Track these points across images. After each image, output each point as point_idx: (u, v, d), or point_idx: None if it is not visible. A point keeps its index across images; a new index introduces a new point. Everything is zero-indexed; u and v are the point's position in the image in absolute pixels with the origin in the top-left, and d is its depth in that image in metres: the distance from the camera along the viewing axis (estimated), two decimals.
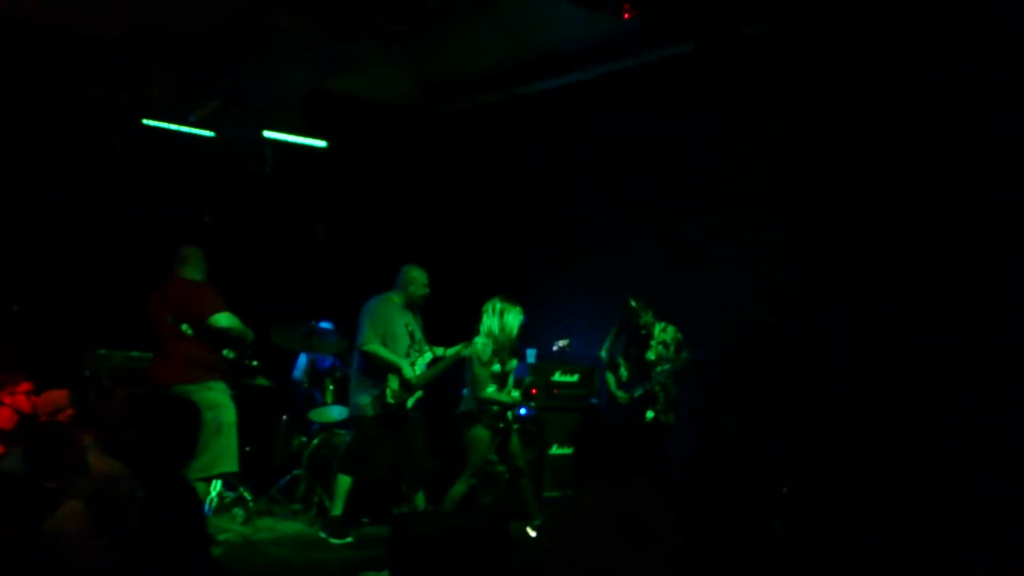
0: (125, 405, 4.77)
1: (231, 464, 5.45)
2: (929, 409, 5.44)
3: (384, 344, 5.96)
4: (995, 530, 4.86)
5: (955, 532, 4.98)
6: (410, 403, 6.01)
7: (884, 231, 5.87)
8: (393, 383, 5.94)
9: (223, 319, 5.43)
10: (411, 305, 6.18)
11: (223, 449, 5.36)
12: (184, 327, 5.44)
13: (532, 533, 6.10)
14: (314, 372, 7.44)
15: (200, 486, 5.25)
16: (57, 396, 4.67)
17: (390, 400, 5.91)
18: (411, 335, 6.09)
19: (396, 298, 6.14)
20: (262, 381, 6.83)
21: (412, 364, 6.01)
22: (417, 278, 6.17)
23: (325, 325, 7.40)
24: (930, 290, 5.61)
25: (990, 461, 5.05)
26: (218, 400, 5.40)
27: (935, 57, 5.62)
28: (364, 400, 6.02)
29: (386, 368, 5.96)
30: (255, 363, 6.46)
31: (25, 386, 5.16)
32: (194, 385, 5.33)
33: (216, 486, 6.15)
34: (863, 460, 5.56)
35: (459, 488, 5.95)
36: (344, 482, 5.98)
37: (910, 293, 5.72)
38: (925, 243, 5.67)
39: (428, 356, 6.12)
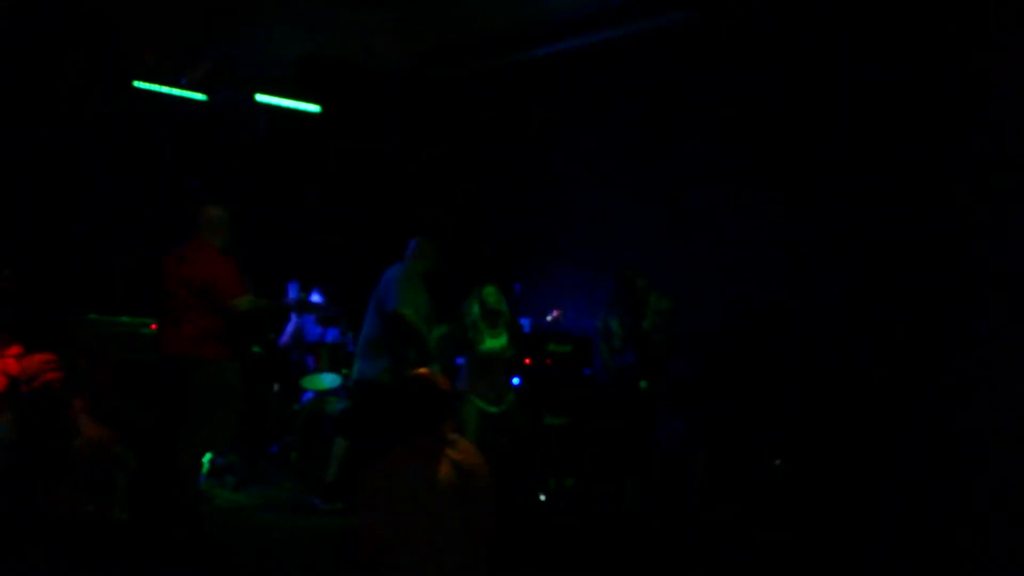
0: (114, 371, 4.77)
1: (224, 444, 5.36)
2: (919, 384, 5.47)
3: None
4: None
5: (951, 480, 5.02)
6: None
7: (880, 207, 5.86)
8: (412, 353, 5.83)
9: (244, 304, 5.14)
10: (426, 277, 6.09)
11: (220, 428, 5.24)
12: (204, 300, 5.14)
13: (542, 498, 6.14)
14: (301, 340, 7.41)
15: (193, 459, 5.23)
16: (33, 361, 4.62)
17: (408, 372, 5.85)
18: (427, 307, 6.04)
19: (419, 268, 6.04)
20: (255, 348, 6.81)
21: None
22: (435, 253, 6.07)
23: (316, 298, 7.38)
24: (924, 263, 5.61)
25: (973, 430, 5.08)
26: (228, 380, 5.21)
27: (937, 35, 5.58)
28: (380, 366, 5.82)
29: (407, 336, 5.77)
30: (271, 336, 6.39)
31: (14, 350, 5.10)
32: (207, 361, 5.12)
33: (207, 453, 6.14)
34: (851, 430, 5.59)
35: None
36: (341, 446, 5.94)
37: (902, 269, 5.73)
38: (921, 220, 5.66)
39: (442, 329, 6.04)
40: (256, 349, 7.02)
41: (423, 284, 5.99)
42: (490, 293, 5.85)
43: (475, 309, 5.82)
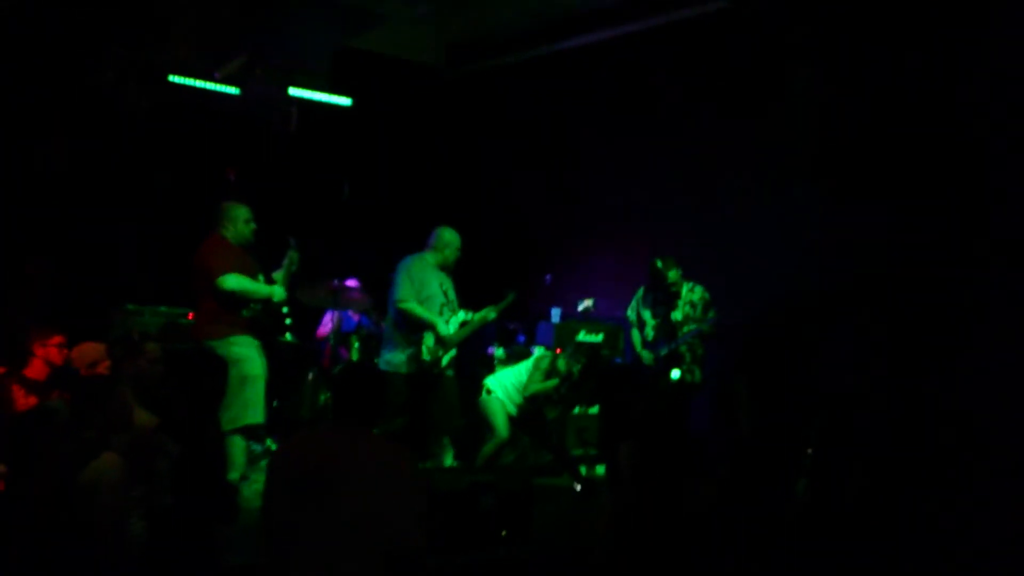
0: (157, 360, 4.85)
1: (257, 416, 5.45)
2: (945, 378, 5.45)
3: (419, 302, 5.99)
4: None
5: (972, 491, 5.00)
6: (444, 360, 6.06)
7: (911, 200, 5.84)
8: (428, 340, 5.97)
9: (229, 281, 5.38)
10: (444, 267, 6.18)
11: (248, 401, 5.36)
12: (203, 283, 5.44)
13: (577, 488, 6.23)
14: (339, 330, 7.46)
15: (234, 438, 5.32)
16: (92, 348, 4.75)
17: (426, 357, 5.95)
18: (445, 294, 6.12)
19: (430, 258, 6.15)
20: (289, 338, 6.88)
21: (446, 322, 6.04)
22: (451, 241, 6.17)
23: (351, 283, 7.42)
24: (956, 262, 5.58)
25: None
26: (241, 354, 5.37)
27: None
28: (399, 357, 6.04)
29: (421, 326, 5.98)
30: (289, 321, 6.47)
31: (57, 339, 5.22)
32: (217, 340, 5.35)
33: None
34: (883, 422, 5.58)
35: (489, 447, 6.10)
36: None
37: (936, 265, 5.70)
38: (954, 219, 5.64)
39: (461, 315, 6.15)
40: (288, 338, 7.08)
41: (439, 272, 6.09)
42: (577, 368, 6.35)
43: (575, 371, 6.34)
